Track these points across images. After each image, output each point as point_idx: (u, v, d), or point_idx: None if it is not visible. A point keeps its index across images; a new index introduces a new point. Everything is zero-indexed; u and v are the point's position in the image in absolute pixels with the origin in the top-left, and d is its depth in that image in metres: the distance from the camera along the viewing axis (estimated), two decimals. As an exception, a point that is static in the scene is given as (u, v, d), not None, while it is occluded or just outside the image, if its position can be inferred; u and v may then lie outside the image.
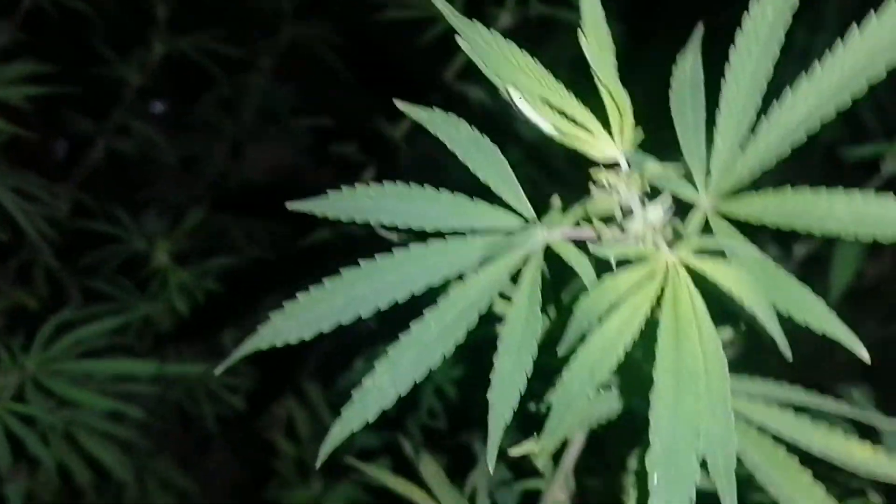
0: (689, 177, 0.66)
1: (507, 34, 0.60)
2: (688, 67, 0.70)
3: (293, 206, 0.70)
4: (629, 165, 0.58)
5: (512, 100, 0.57)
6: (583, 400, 0.59)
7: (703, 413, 0.55)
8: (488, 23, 0.62)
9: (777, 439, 0.66)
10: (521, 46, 0.60)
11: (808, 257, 1.57)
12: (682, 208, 0.67)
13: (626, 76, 0.60)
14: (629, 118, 0.57)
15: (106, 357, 1.75)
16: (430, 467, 1.16)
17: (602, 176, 0.57)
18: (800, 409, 0.72)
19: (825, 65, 0.60)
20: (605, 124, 0.58)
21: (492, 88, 0.62)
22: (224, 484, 2.61)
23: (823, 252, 1.52)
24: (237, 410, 2.20)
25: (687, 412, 0.55)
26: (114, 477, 1.70)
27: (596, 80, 0.56)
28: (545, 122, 0.57)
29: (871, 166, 1.49)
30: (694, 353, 0.56)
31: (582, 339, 0.58)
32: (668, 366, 0.55)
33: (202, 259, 1.87)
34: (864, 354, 0.59)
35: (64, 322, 1.47)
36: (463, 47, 0.60)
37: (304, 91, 2.74)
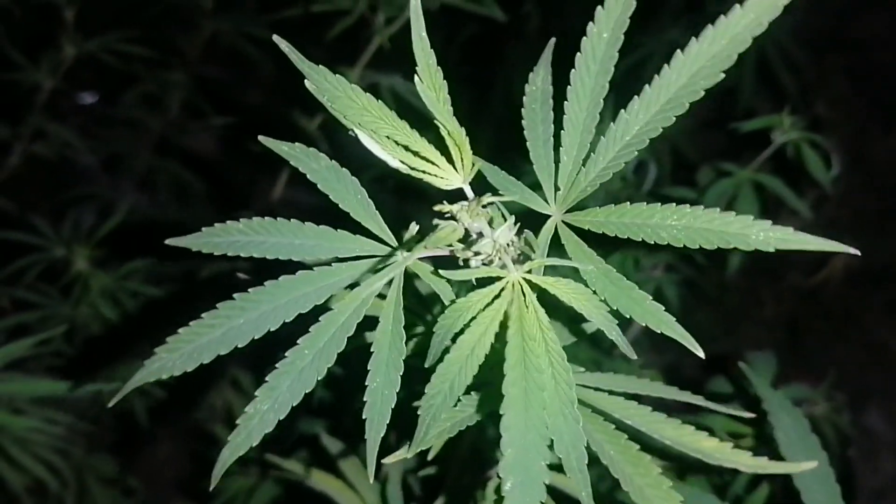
0: (538, 188, 0.70)
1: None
2: (539, 82, 0.74)
3: (172, 241, 0.73)
4: (471, 190, 0.62)
5: (358, 138, 0.61)
6: (446, 411, 0.63)
7: (551, 419, 0.60)
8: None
9: (634, 436, 0.71)
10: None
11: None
12: (538, 218, 0.71)
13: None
14: (468, 151, 0.61)
15: (35, 363, 1.77)
16: (348, 461, 1.22)
17: (444, 208, 0.61)
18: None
19: (654, 87, 0.65)
20: (450, 158, 0.62)
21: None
22: (170, 478, 2.64)
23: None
24: (178, 406, 2.23)
25: (535, 420, 0.59)
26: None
27: (434, 119, 0.60)
28: (391, 158, 0.61)
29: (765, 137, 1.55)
30: (540, 365, 0.60)
31: (442, 355, 0.63)
32: (517, 378, 0.60)
33: (123, 261, 1.88)
34: (700, 353, 0.64)
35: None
36: (311, 90, 0.63)
37: (226, 85, 2.75)
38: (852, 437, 1.77)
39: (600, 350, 1.61)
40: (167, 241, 0.72)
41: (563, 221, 0.69)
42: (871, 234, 3.40)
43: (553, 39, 0.77)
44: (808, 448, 0.94)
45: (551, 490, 0.92)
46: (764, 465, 0.67)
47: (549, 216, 0.70)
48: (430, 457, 0.88)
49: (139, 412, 2.15)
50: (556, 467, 0.70)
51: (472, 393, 0.75)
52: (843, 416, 1.74)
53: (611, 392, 0.75)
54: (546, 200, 0.70)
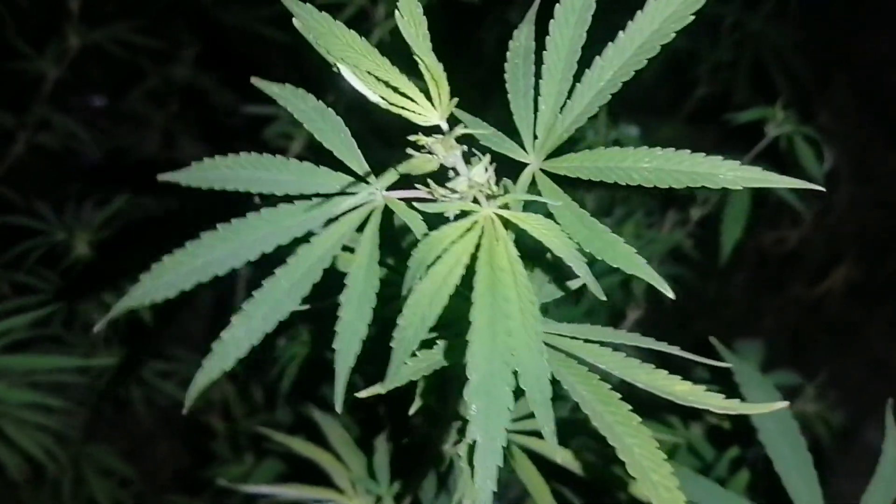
0: (518, 139, 0.72)
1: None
2: (522, 38, 0.76)
3: (163, 177, 0.75)
4: (449, 129, 0.64)
5: (341, 72, 0.63)
6: (417, 344, 0.64)
7: (516, 349, 0.61)
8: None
9: (606, 376, 0.73)
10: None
11: (703, 218, 1.66)
12: (517, 168, 0.73)
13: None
14: (445, 87, 0.63)
15: (33, 349, 1.78)
16: (335, 432, 1.23)
17: (420, 139, 0.63)
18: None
19: (627, 32, 0.67)
20: (428, 94, 0.64)
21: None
22: (166, 469, 2.66)
23: (716, 214, 1.60)
24: (174, 398, 2.24)
25: (501, 348, 0.61)
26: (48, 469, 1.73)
27: (413, 54, 0.62)
28: (371, 93, 0.62)
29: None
30: (507, 295, 0.62)
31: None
32: (484, 307, 0.61)
33: (124, 247, 1.91)
34: (669, 293, 0.65)
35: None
36: (297, 26, 0.65)
37: (230, 78, 2.77)
38: (843, 435, 1.77)
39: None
40: (159, 177, 0.74)
41: (540, 170, 0.71)
42: (874, 248, 3.41)
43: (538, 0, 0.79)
44: (778, 418, 0.95)
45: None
46: (734, 406, 0.68)
47: (527, 165, 0.72)
48: (411, 411, 0.89)
49: (137, 402, 2.17)
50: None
51: (446, 339, 0.77)
52: (835, 414, 1.74)
53: (586, 340, 0.76)
54: (525, 149, 0.72)
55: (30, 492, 2.20)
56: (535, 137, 0.71)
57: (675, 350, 0.76)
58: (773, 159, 1.60)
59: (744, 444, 1.30)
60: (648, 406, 0.78)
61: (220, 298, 2.45)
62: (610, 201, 1.79)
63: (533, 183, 0.71)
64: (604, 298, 0.66)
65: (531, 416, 0.80)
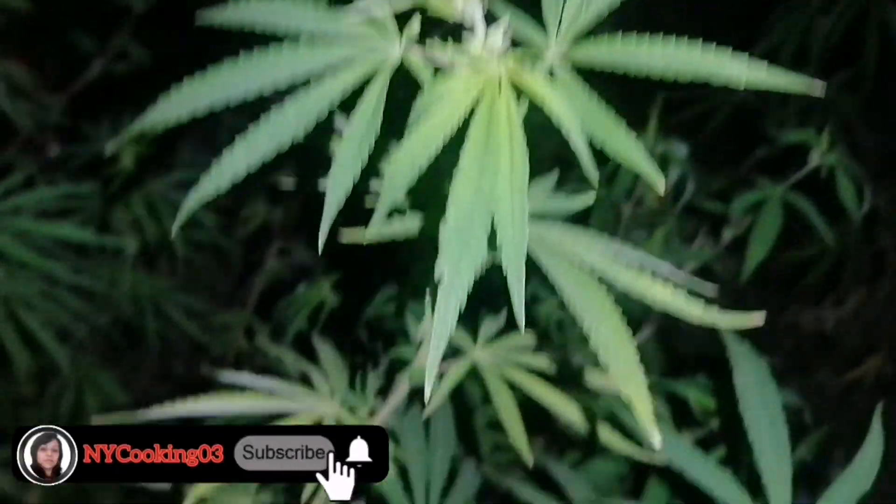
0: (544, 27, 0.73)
1: None
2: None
3: (201, 18, 0.78)
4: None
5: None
6: (405, 188, 0.65)
7: (499, 199, 0.62)
8: None
9: (587, 270, 0.73)
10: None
11: (734, 240, 1.64)
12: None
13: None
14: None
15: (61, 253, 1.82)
16: (328, 354, 1.24)
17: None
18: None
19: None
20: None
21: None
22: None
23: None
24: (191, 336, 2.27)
25: (484, 193, 0.61)
26: (52, 359, 1.75)
27: None
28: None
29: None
30: (500, 145, 0.63)
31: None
32: (476, 151, 0.62)
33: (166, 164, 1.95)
34: (660, 188, 0.65)
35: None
36: None
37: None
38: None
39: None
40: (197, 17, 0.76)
41: (560, 57, 0.72)
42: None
43: None
44: (765, 394, 0.93)
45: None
46: (715, 318, 0.68)
47: (546, 51, 0.72)
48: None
49: (151, 334, 2.19)
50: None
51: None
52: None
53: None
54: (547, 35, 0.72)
55: (31, 409, 2.23)
56: (560, 24, 0.72)
57: (672, 268, 0.76)
58: (813, 193, 1.58)
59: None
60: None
61: (250, 262, 2.48)
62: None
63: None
64: (595, 175, 0.66)
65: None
